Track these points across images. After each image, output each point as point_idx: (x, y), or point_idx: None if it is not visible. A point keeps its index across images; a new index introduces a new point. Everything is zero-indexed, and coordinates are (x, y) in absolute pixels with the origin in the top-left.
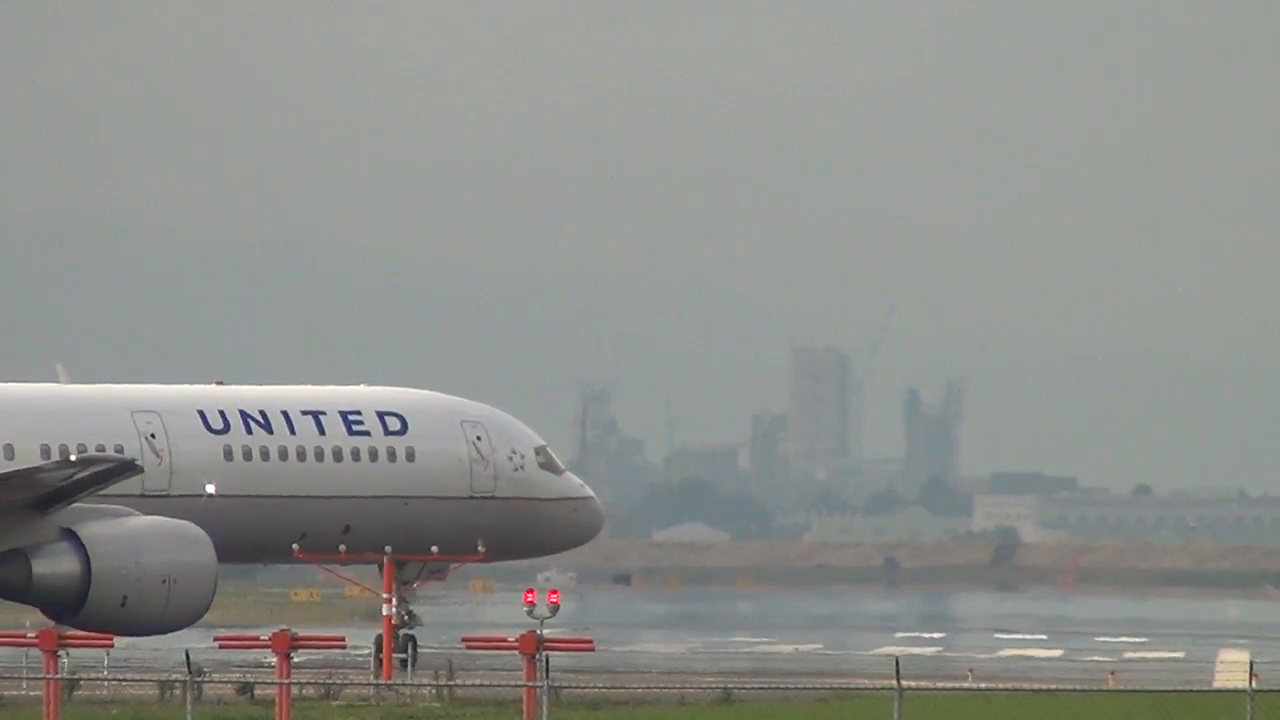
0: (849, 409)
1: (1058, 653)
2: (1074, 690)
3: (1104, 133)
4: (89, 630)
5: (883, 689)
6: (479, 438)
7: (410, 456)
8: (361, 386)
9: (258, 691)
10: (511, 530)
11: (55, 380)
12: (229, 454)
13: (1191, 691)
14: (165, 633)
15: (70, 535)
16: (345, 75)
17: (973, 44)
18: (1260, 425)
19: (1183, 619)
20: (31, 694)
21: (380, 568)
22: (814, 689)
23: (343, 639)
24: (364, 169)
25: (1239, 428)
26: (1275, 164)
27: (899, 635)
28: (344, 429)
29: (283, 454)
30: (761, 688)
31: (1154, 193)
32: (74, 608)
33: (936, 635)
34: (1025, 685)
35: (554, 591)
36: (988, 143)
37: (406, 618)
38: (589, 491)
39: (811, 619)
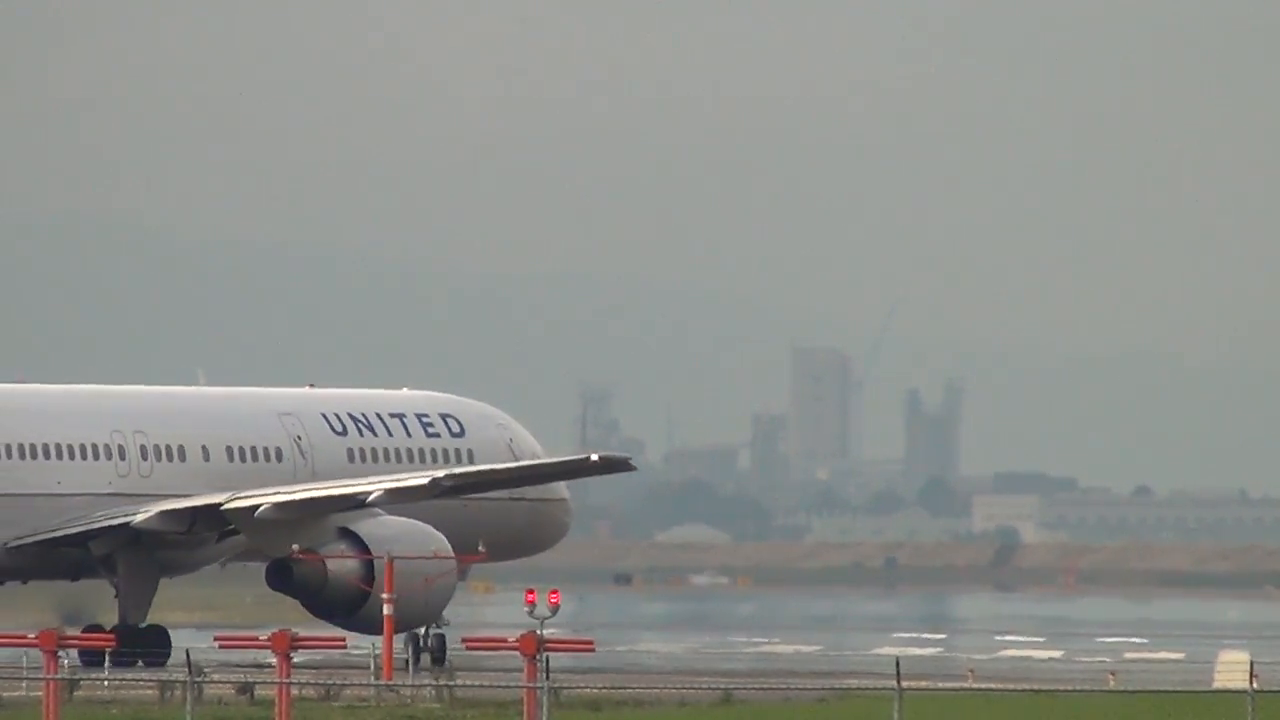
0: (849, 409)
1: (1058, 653)
2: (1074, 691)
3: (1104, 133)
4: (360, 632)
5: (883, 689)
6: (511, 440)
7: (470, 458)
8: (405, 390)
9: (258, 692)
10: (532, 530)
11: (195, 382)
12: (351, 456)
13: (1192, 692)
14: (408, 630)
15: (349, 535)
16: (345, 76)
17: (973, 45)
18: (1261, 426)
19: (1183, 620)
20: (32, 694)
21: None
22: (814, 690)
23: (343, 640)
24: (364, 169)
25: (1239, 428)
26: (1276, 164)
27: (899, 636)
28: (422, 432)
29: (386, 456)
30: (762, 688)
31: (1154, 193)
32: (352, 607)
33: (937, 636)
34: (1025, 686)
35: (554, 591)
36: (988, 143)
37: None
38: (566, 492)
39: (811, 619)
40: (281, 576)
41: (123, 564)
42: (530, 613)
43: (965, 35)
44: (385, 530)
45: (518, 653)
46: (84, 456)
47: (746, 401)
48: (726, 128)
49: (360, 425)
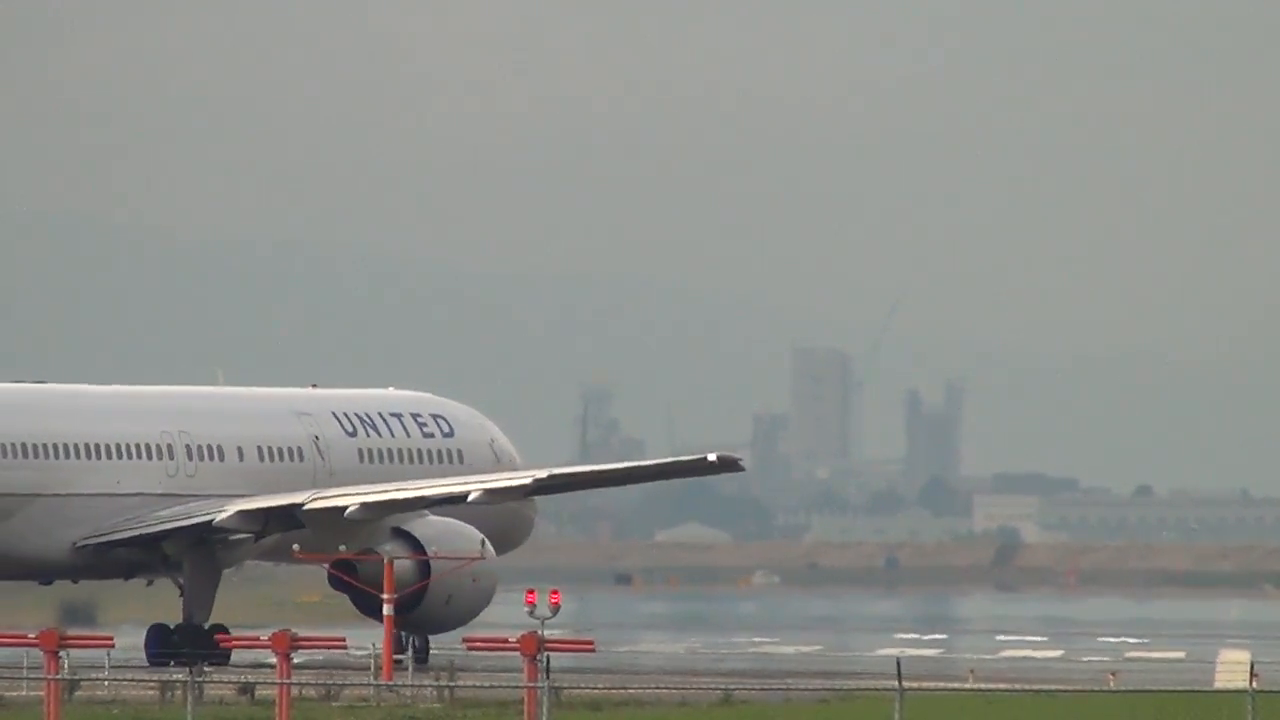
0: (849, 409)
1: (1058, 653)
2: (1075, 691)
3: (1105, 133)
4: (415, 631)
5: (884, 690)
6: (492, 440)
7: (460, 459)
8: (391, 389)
9: (258, 692)
10: (508, 529)
11: (215, 382)
12: (361, 456)
13: (1192, 692)
14: (450, 630)
15: (403, 535)
16: (345, 76)
17: (973, 46)
18: (1262, 425)
19: (1183, 619)
20: (32, 694)
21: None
22: (815, 690)
23: (344, 640)
24: (364, 169)
25: (1240, 428)
26: (1276, 165)
27: (900, 636)
28: (419, 432)
29: (391, 456)
30: (762, 689)
31: (1155, 193)
32: (408, 607)
33: (937, 636)
34: (1026, 686)
35: (555, 592)
36: (988, 143)
37: None
38: None
39: (812, 619)
40: (346, 576)
41: (189, 563)
42: (531, 613)
43: (965, 35)
44: (434, 530)
45: (518, 653)
46: (139, 456)
47: (746, 401)
48: (726, 128)
49: (366, 425)
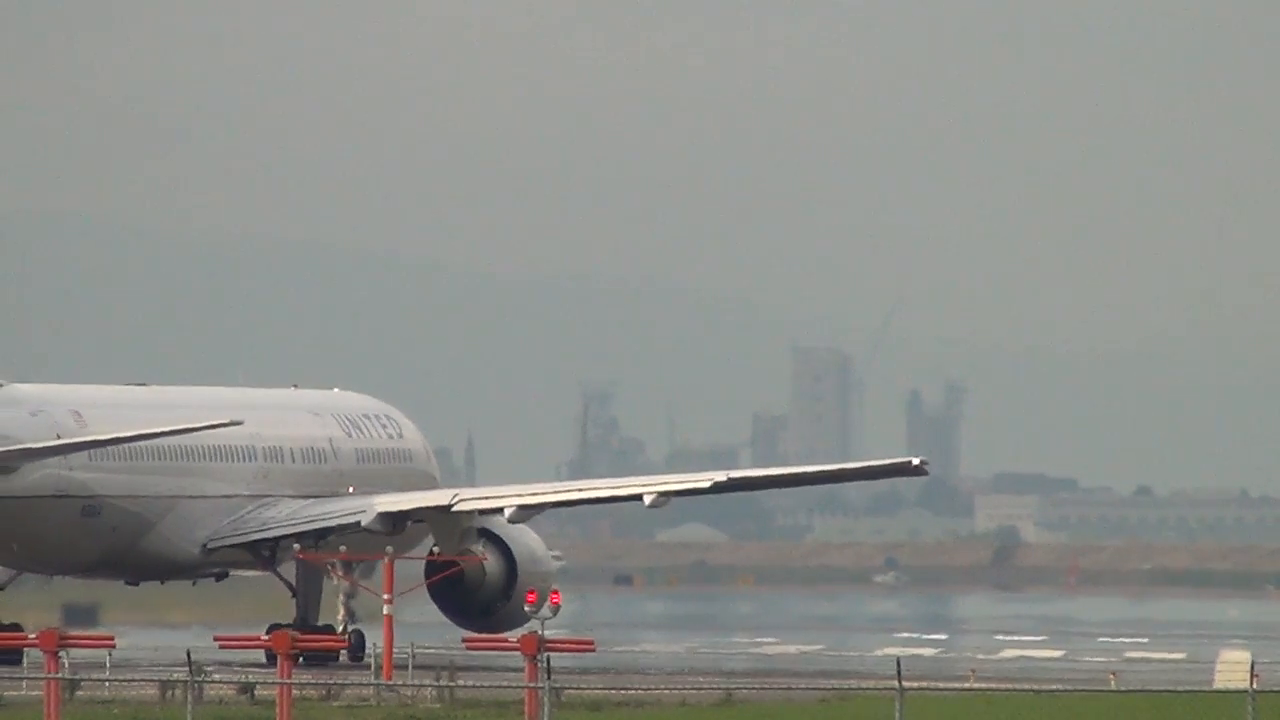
0: (849, 409)
1: (1059, 653)
2: (1075, 691)
3: (1106, 134)
4: (494, 632)
5: (884, 690)
6: (424, 441)
7: (410, 458)
8: (336, 390)
9: (258, 692)
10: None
11: (235, 382)
12: (358, 456)
13: (1192, 692)
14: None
15: (490, 536)
16: (347, 77)
17: (974, 47)
18: (1261, 426)
19: (1184, 619)
20: (32, 694)
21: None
22: (815, 690)
23: (345, 640)
24: (365, 169)
25: (1240, 428)
26: (1277, 166)
27: (900, 636)
28: (384, 433)
29: (375, 457)
30: (763, 688)
31: (1155, 194)
32: (492, 606)
33: (938, 636)
34: (1026, 686)
35: (555, 591)
36: (988, 144)
37: (349, 614)
38: None
39: (812, 619)
40: (445, 577)
41: (301, 564)
42: (531, 613)
43: (965, 36)
44: (515, 532)
45: (519, 652)
46: (236, 459)
47: (746, 401)
48: (726, 128)
49: (354, 427)
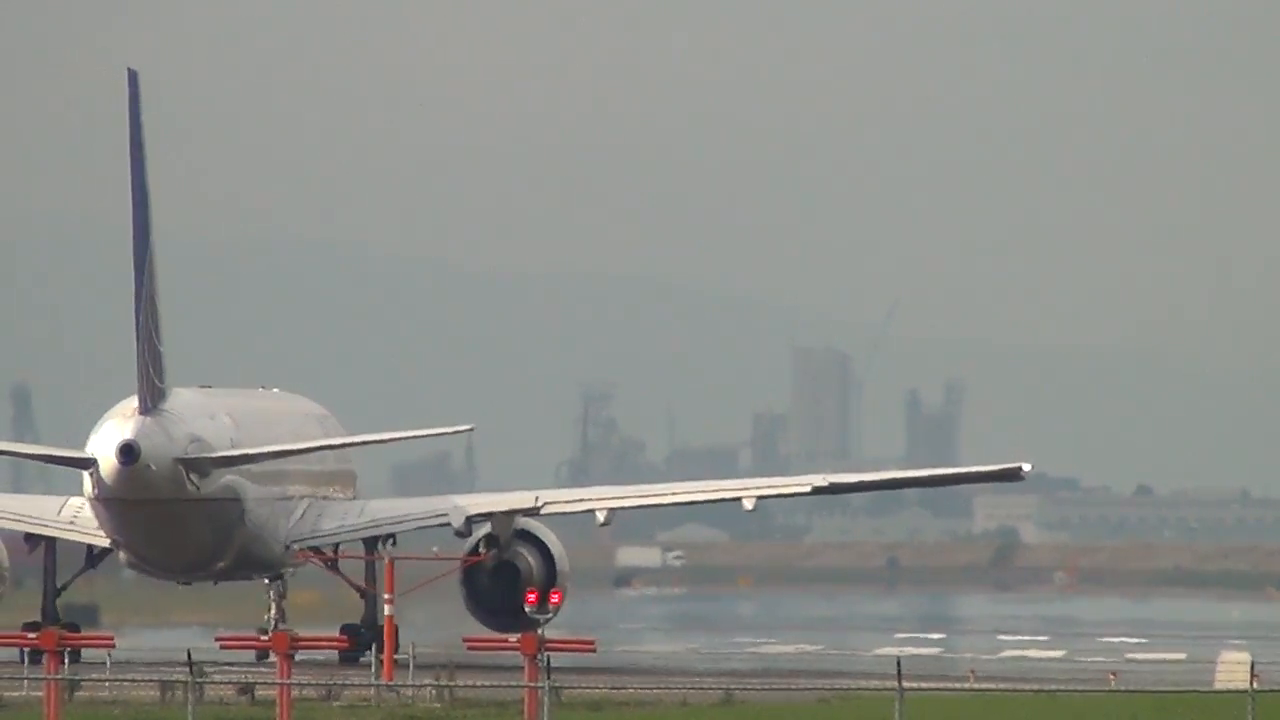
0: (849, 409)
1: (1059, 653)
2: (1075, 691)
3: (1106, 134)
4: (521, 626)
5: (884, 689)
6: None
7: (348, 459)
8: (276, 390)
9: (259, 692)
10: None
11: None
12: (340, 455)
13: (1192, 692)
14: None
15: (529, 537)
16: (348, 77)
17: (974, 48)
18: (1261, 426)
19: (1184, 620)
20: (32, 694)
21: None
22: (815, 690)
23: (345, 640)
24: (365, 170)
25: (1241, 428)
26: (1277, 167)
27: (900, 636)
28: (336, 432)
29: (345, 455)
30: (763, 688)
31: (1156, 194)
32: (520, 607)
33: (937, 636)
34: (1026, 686)
35: (555, 591)
36: (988, 144)
37: (278, 616)
38: None
39: (812, 619)
40: (486, 576)
41: (369, 565)
42: (531, 613)
43: (965, 36)
44: (551, 533)
45: (519, 652)
46: (302, 461)
47: (746, 401)
48: (727, 129)
49: (330, 427)
